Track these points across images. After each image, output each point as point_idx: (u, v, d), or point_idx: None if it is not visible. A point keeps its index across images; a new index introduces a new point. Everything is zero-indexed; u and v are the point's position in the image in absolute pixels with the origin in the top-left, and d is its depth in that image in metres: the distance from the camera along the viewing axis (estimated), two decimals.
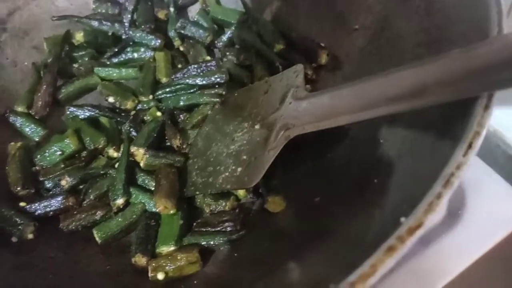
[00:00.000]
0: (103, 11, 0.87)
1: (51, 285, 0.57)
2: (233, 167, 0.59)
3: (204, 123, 0.71)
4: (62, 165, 0.67)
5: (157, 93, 0.77)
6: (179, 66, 0.81)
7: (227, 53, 0.79)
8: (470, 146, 0.33)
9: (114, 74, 0.80)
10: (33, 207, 0.64)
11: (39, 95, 0.74)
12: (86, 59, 0.81)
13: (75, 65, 0.81)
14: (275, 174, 0.64)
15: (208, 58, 0.81)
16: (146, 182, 0.66)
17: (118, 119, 0.74)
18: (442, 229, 0.66)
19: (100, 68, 0.79)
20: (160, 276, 0.55)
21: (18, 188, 0.65)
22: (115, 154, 0.70)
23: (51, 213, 0.64)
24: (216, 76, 0.75)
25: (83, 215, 0.63)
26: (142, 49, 0.82)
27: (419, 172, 0.41)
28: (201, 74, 0.76)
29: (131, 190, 0.64)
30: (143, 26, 0.83)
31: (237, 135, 0.63)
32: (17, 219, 0.61)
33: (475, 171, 0.70)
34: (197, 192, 0.63)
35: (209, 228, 0.60)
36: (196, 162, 0.66)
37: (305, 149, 0.63)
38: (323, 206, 0.56)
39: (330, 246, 0.47)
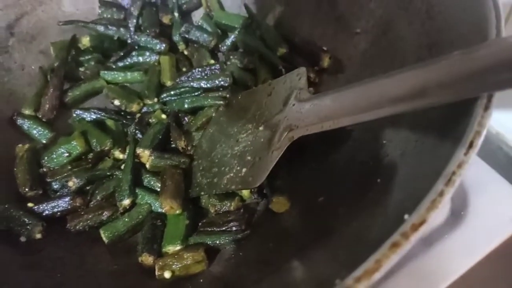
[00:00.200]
0: (109, 16, 0.88)
1: (58, 284, 0.57)
2: (238, 168, 0.60)
3: (209, 125, 0.72)
4: (69, 167, 0.68)
5: (162, 96, 0.78)
6: (184, 69, 0.82)
7: (231, 57, 0.80)
8: (471, 145, 0.34)
9: (120, 78, 0.81)
10: (41, 207, 0.64)
11: (46, 98, 0.75)
12: (92, 63, 0.83)
13: (81, 69, 0.82)
14: (279, 175, 0.65)
15: (212, 61, 0.83)
16: (152, 183, 0.67)
17: (124, 121, 0.75)
18: (445, 230, 0.66)
19: (106, 72, 0.80)
20: (167, 274, 0.56)
21: (26, 189, 0.66)
22: (121, 156, 0.71)
23: (59, 213, 0.65)
24: (220, 79, 0.76)
25: (90, 216, 0.64)
26: (147, 53, 0.83)
27: (421, 171, 0.42)
28: (205, 77, 0.78)
29: (137, 191, 0.65)
30: (148, 31, 0.84)
31: (241, 137, 0.64)
32: (26, 219, 0.62)
33: (477, 172, 0.71)
34: (202, 193, 0.64)
35: (215, 228, 0.61)
36: (201, 163, 0.67)
37: (309, 150, 0.64)
38: (327, 206, 0.57)
39: (334, 245, 0.48)
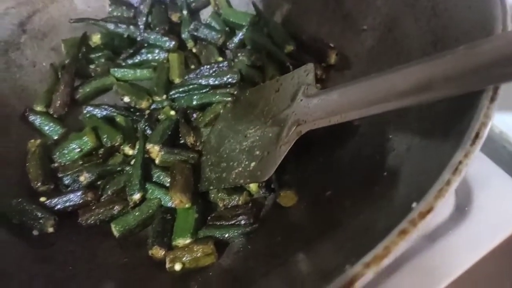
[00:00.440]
0: (119, 14, 0.89)
1: (70, 277, 0.58)
2: (246, 162, 0.61)
3: (217, 121, 0.73)
4: (80, 162, 0.69)
5: (171, 93, 0.79)
6: (192, 67, 0.83)
7: (239, 54, 0.81)
8: (477, 135, 0.35)
9: (129, 75, 0.82)
10: (53, 202, 0.65)
11: (57, 94, 0.76)
12: (103, 60, 0.84)
13: (92, 66, 0.83)
14: (287, 170, 0.66)
15: (220, 59, 0.83)
16: (161, 178, 0.68)
17: (134, 117, 0.76)
18: (449, 225, 0.67)
19: (115, 69, 0.81)
20: (177, 267, 0.57)
21: (38, 184, 0.67)
22: (130, 152, 0.72)
23: (70, 208, 0.66)
24: (228, 76, 0.77)
25: (101, 210, 0.65)
26: (156, 51, 0.84)
27: (428, 165, 0.42)
28: (214, 74, 0.79)
29: (147, 186, 0.66)
30: (157, 28, 0.85)
31: (250, 132, 0.65)
32: (38, 213, 0.63)
33: (482, 168, 0.71)
34: (211, 187, 0.65)
35: (223, 222, 0.62)
36: (209, 158, 0.68)
37: (316, 145, 0.65)
38: (334, 200, 0.57)
39: (341, 237, 0.48)
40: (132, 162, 0.69)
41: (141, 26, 0.85)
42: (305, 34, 0.80)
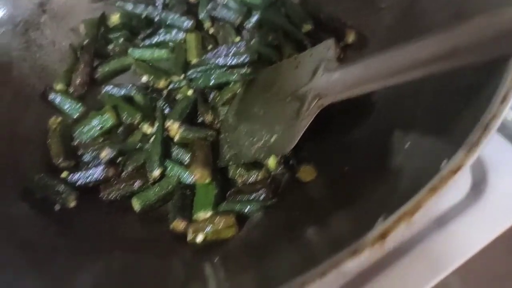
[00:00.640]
0: None
1: (91, 250, 0.59)
2: (266, 138, 0.61)
3: (235, 100, 0.73)
4: (101, 139, 0.70)
5: (189, 73, 0.79)
6: (209, 47, 0.83)
7: (256, 34, 0.81)
8: (504, 98, 0.35)
9: (147, 55, 0.82)
10: (74, 177, 0.66)
11: (77, 74, 0.77)
12: (121, 40, 0.84)
13: (110, 46, 0.84)
14: (305, 147, 0.66)
15: (238, 39, 0.83)
16: (180, 155, 0.68)
17: (152, 96, 0.76)
18: (465, 205, 0.67)
19: (133, 49, 0.82)
20: (199, 238, 0.57)
21: (60, 160, 0.68)
22: (149, 130, 0.72)
23: (91, 183, 0.66)
24: (245, 56, 0.77)
25: (122, 185, 0.66)
26: (174, 31, 0.84)
27: (451, 133, 0.42)
28: (231, 54, 0.78)
29: (166, 163, 0.67)
30: (175, 9, 0.85)
31: (268, 109, 0.65)
32: (60, 189, 0.64)
33: (497, 148, 0.71)
34: (231, 162, 0.65)
35: (243, 196, 0.63)
36: (228, 135, 0.69)
37: (334, 123, 0.65)
38: (353, 174, 0.57)
39: (361, 209, 0.48)
40: (151, 140, 0.70)
41: (159, 6, 0.85)
42: (322, 13, 0.80)
